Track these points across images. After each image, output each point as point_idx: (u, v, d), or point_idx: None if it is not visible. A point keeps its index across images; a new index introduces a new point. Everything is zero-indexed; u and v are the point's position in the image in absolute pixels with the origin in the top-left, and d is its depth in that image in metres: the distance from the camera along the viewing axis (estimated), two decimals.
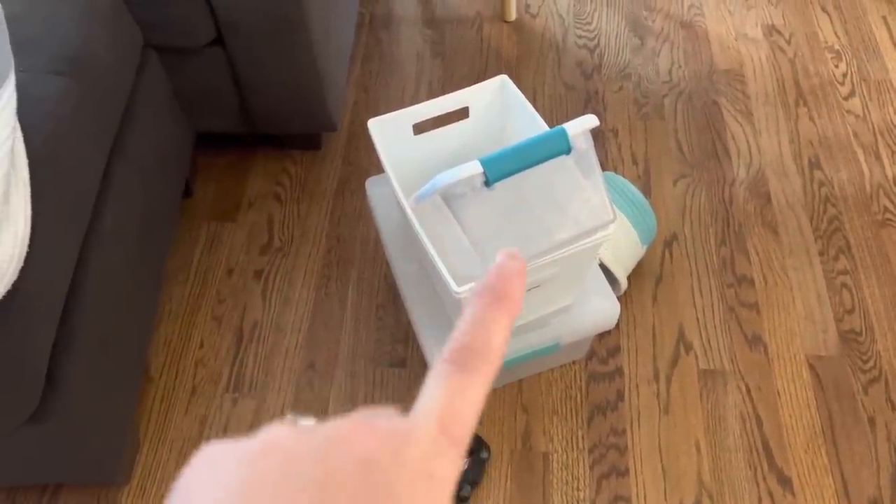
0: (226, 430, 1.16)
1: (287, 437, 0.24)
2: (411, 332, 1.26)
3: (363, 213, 1.41)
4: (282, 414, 1.17)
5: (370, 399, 1.19)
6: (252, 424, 1.17)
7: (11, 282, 0.79)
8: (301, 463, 0.22)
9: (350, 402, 1.18)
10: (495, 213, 0.82)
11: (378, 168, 1.46)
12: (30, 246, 0.83)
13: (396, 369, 1.22)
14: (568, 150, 0.76)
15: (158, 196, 1.20)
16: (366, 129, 1.53)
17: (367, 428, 0.24)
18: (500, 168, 0.74)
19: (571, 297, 1.02)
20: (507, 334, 0.27)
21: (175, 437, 1.16)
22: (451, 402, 0.25)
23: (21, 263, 0.81)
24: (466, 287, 0.84)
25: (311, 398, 1.19)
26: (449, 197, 1.02)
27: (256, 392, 1.20)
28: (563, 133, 0.77)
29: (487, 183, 0.75)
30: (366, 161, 1.49)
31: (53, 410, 0.88)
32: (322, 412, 1.18)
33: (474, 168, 0.75)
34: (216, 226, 1.40)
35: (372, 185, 1.19)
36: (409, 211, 0.92)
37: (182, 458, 1.14)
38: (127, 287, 1.08)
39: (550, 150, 0.75)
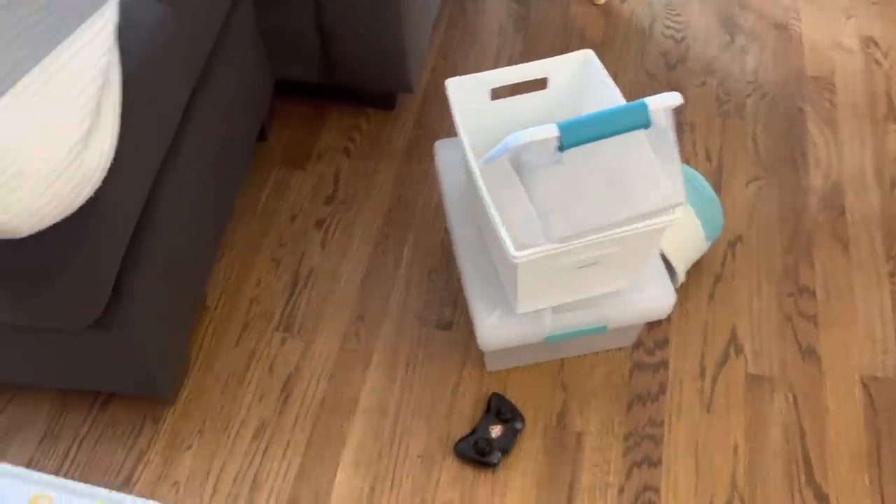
0: (271, 370, 1.20)
1: None
2: (461, 297, 1.27)
3: (428, 178, 1.42)
4: (325, 360, 1.20)
5: (412, 357, 1.21)
6: (297, 365, 1.20)
7: (95, 188, 0.83)
8: None
9: (393, 357, 1.21)
10: (563, 183, 0.82)
11: (449, 134, 1.47)
12: (113, 160, 0.87)
13: (442, 331, 1.23)
14: (647, 124, 0.75)
15: (235, 134, 1.24)
16: (440, 95, 1.55)
17: None
18: (576, 134, 0.74)
19: (628, 280, 1.01)
20: None
21: (222, 367, 1.20)
22: None
23: (104, 174, 0.85)
24: (525, 253, 0.85)
25: (357, 348, 1.22)
26: (519, 164, 1.02)
27: (305, 335, 1.23)
28: (644, 106, 0.76)
29: (561, 147, 0.75)
30: (437, 126, 1.50)
31: (116, 319, 0.92)
32: (365, 364, 1.20)
33: (550, 131, 0.75)
34: (285, 172, 1.43)
35: (441, 148, 1.20)
36: (476, 172, 0.92)
37: (226, 389, 1.18)
38: (196, 216, 1.12)
39: (629, 122, 0.75)
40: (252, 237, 1.35)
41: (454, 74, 1.58)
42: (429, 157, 1.45)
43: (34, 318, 0.85)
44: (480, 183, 0.91)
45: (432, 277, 1.30)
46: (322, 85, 1.45)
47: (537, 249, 0.84)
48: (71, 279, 0.82)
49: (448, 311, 1.26)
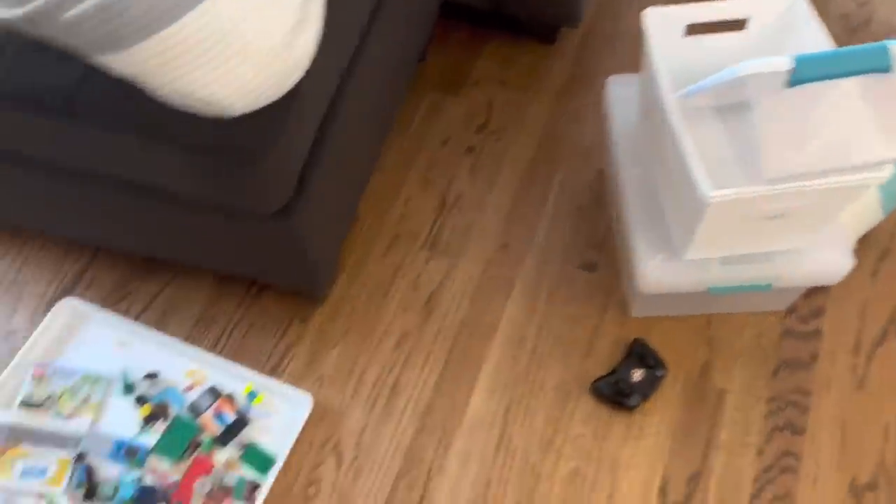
0: (415, 285, 1.22)
1: None
2: (607, 241, 1.25)
3: (582, 117, 1.39)
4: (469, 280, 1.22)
5: (553, 292, 1.20)
6: (440, 286, 1.22)
7: (300, 77, 0.85)
8: None
9: (535, 290, 1.21)
10: (780, 123, 0.78)
11: (608, 73, 1.43)
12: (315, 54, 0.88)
13: (585, 272, 1.22)
14: (887, 68, 0.71)
15: (407, 48, 1.24)
16: (601, 34, 1.50)
17: None
18: (812, 69, 0.70)
19: (810, 239, 0.97)
20: None
21: (368, 277, 1.23)
22: None
23: (309, 64, 0.86)
24: (721, 192, 0.82)
25: (498, 275, 1.22)
26: (723, 103, 0.98)
27: (450, 257, 1.25)
28: (885, 49, 0.71)
29: (791, 83, 0.71)
30: (596, 65, 1.46)
31: (296, 209, 0.95)
32: (506, 293, 1.21)
33: (782, 63, 0.71)
34: (439, 96, 1.43)
35: (613, 84, 1.16)
36: (670, 107, 0.89)
37: (372, 297, 1.21)
38: (368, 122, 1.14)
39: (868, 63, 0.70)
40: (403, 156, 1.36)
41: (618, 14, 1.53)
42: (584, 95, 1.42)
43: (230, 198, 0.89)
44: (675, 118, 0.88)
45: (580, 216, 1.28)
46: (485, 12, 1.43)
47: (735, 190, 0.81)
48: (271, 162, 0.85)
49: (593, 254, 1.24)
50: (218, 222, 0.98)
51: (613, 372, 1.11)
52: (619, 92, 1.15)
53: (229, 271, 1.14)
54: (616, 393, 1.08)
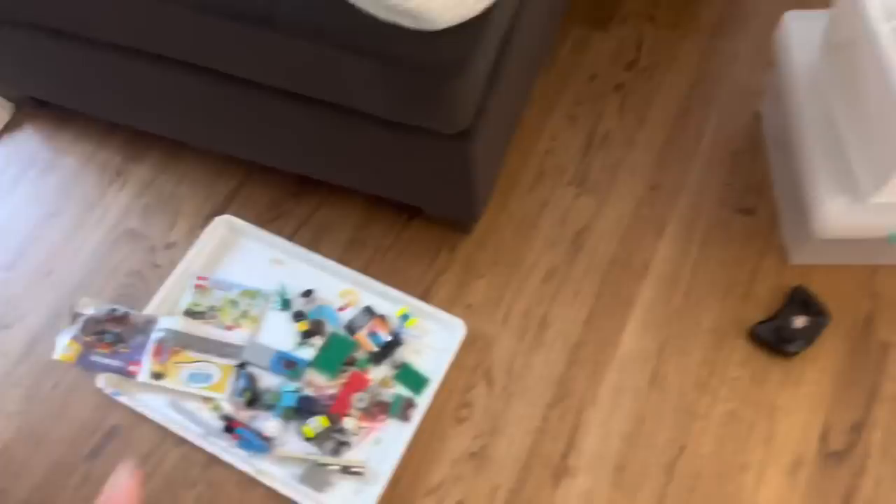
0: (563, 221, 1.21)
1: None
2: (765, 184, 1.21)
3: (738, 57, 1.34)
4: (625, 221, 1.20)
5: (708, 235, 1.18)
6: (588, 223, 1.21)
7: (492, 2, 0.84)
8: None
9: (688, 231, 1.18)
10: None
11: (762, 13, 1.36)
12: None
13: (742, 216, 1.19)
14: None
15: None
16: None
17: None
18: None
19: None
20: None
21: (515, 210, 1.23)
22: None
23: None
24: None
25: (650, 215, 1.20)
26: None
27: (599, 194, 1.23)
28: None
29: None
30: (749, 4, 1.39)
31: (472, 132, 0.95)
32: (658, 233, 1.19)
33: None
34: (586, 31, 1.40)
35: (791, 20, 1.11)
36: (883, 37, 0.85)
37: (519, 230, 1.21)
38: (532, 51, 1.12)
39: None
40: (549, 91, 1.34)
41: None
42: (741, 34, 1.35)
43: (420, 116, 0.89)
44: (888, 48, 0.84)
45: (735, 160, 1.24)
46: None
47: None
48: (468, 79, 0.84)
49: (751, 198, 1.21)
50: (393, 142, 0.99)
51: (774, 317, 1.08)
52: (798, 28, 1.10)
53: (385, 195, 1.15)
54: (777, 339, 1.06)
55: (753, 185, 1.21)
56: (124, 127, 1.32)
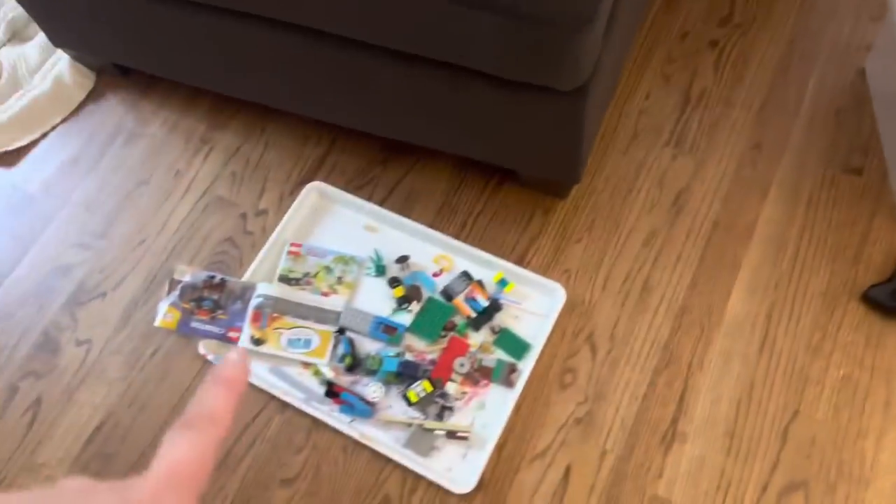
0: (661, 183, 1.18)
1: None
2: (872, 143, 1.16)
3: (838, 11, 1.28)
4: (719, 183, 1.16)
5: (815, 196, 1.14)
6: (688, 185, 1.17)
7: None
8: None
9: (794, 192, 1.14)
10: None
11: None
12: None
13: (850, 176, 1.15)
14: None
15: None
16: None
17: (100, 485, 0.29)
18: None
19: None
20: (232, 408, 0.32)
21: (611, 172, 1.20)
22: (179, 454, 0.30)
23: None
24: None
25: (753, 176, 1.17)
26: None
27: (697, 155, 1.19)
28: None
29: None
30: None
31: (588, 90, 0.92)
32: (762, 194, 1.15)
33: None
34: None
35: None
36: None
37: (615, 193, 1.18)
38: (638, 2, 1.08)
39: None
40: (642, 50, 1.30)
41: None
42: None
43: (539, 71, 0.86)
44: None
45: (840, 118, 1.19)
46: None
47: None
48: (592, 34, 0.81)
49: (858, 157, 1.16)
50: (500, 101, 0.96)
51: (889, 280, 1.04)
52: None
53: (480, 158, 1.12)
54: (893, 301, 1.02)
55: (860, 144, 1.17)
56: (208, 93, 1.31)
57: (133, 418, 1.09)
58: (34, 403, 1.11)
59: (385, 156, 1.25)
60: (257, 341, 1.10)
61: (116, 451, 1.07)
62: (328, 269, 1.16)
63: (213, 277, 1.14)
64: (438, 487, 1.00)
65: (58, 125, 1.34)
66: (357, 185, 1.23)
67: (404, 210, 1.19)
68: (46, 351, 1.14)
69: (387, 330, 1.10)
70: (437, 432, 1.03)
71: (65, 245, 1.23)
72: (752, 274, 1.10)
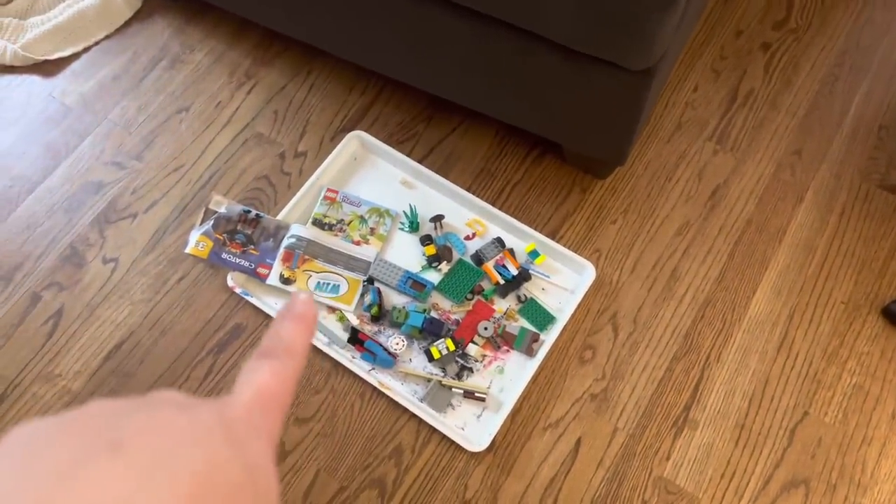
0: (700, 176, 1.19)
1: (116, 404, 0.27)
2: None
3: (893, 29, 1.29)
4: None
5: (849, 207, 1.15)
6: (727, 181, 1.19)
7: None
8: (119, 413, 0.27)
9: (828, 201, 1.16)
10: None
11: None
12: None
13: (885, 192, 1.16)
14: None
15: None
16: None
17: (197, 400, 0.29)
18: None
19: None
20: (306, 342, 0.33)
21: (652, 159, 1.21)
22: (263, 379, 0.30)
23: None
24: None
25: (791, 181, 1.18)
26: None
27: (738, 153, 1.21)
28: None
29: None
30: None
31: (657, 70, 0.92)
32: (797, 199, 1.17)
33: None
34: None
35: None
36: None
37: (654, 180, 1.19)
38: None
39: None
40: (694, 41, 1.30)
41: None
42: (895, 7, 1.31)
43: (613, 47, 0.86)
44: None
45: (882, 135, 1.21)
46: None
47: None
48: (673, 14, 0.81)
49: (895, 175, 1.18)
50: (564, 73, 0.96)
51: None
52: None
53: (526, 127, 1.12)
54: None
55: None
56: (256, 28, 1.30)
57: (154, 341, 1.09)
58: (55, 314, 1.11)
59: (430, 113, 1.25)
60: (286, 280, 1.10)
61: (134, 371, 1.08)
62: (362, 219, 1.16)
63: (248, 212, 1.14)
64: (451, 443, 1.02)
65: (101, 41, 1.32)
66: (398, 140, 1.23)
67: (443, 170, 1.20)
68: (72, 264, 1.14)
69: (415, 286, 1.11)
70: (454, 390, 1.05)
71: (99, 162, 1.22)
72: (778, 275, 1.12)
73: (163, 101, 1.27)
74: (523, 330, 1.08)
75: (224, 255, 1.12)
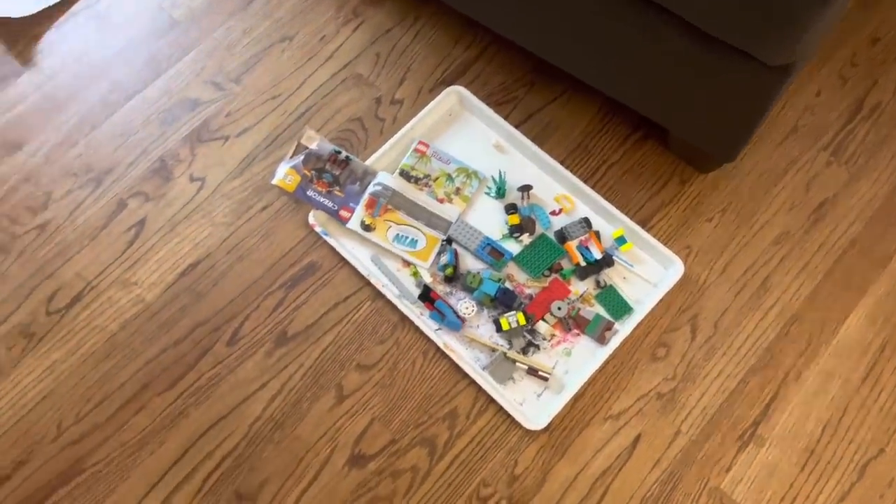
0: (808, 186, 1.13)
1: None
2: None
3: None
4: None
5: None
6: (836, 195, 1.12)
7: None
8: None
9: None
10: None
11: None
12: None
13: None
14: None
15: None
16: None
17: None
18: None
19: None
20: None
21: (760, 160, 1.15)
22: None
23: None
24: None
25: None
26: None
27: (853, 168, 1.13)
28: None
29: None
30: None
31: (793, 68, 0.86)
32: None
33: None
34: None
35: None
36: None
37: (758, 182, 1.13)
38: None
39: None
40: (825, 43, 1.22)
41: None
42: None
43: (759, 39, 0.81)
44: None
45: None
46: None
47: None
48: (832, 10, 0.75)
49: None
50: (694, 57, 0.90)
51: None
52: None
53: (635, 107, 1.07)
54: None
55: None
56: None
57: (229, 266, 1.10)
58: (138, 223, 1.13)
59: (533, 78, 1.21)
60: (367, 227, 1.09)
61: (207, 291, 1.09)
62: (449, 177, 1.14)
63: (339, 152, 1.13)
64: (507, 416, 1.00)
65: None
66: (497, 101, 1.19)
67: (538, 139, 1.16)
68: (160, 177, 1.15)
69: (493, 253, 1.09)
70: (518, 364, 1.03)
71: (198, 79, 1.22)
72: (876, 303, 1.06)
73: (268, 26, 1.25)
74: (598, 316, 1.05)
75: (310, 192, 1.11)
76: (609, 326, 1.04)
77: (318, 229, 1.10)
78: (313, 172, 1.12)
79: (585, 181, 1.12)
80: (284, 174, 1.12)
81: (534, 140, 1.14)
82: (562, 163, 1.14)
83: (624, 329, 1.04)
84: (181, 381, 1.02)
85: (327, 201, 1.11)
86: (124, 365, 1.04)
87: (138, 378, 1.03)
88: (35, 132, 1.18)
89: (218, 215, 1.13)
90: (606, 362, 1.03)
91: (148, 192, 1.14)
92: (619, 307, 1.06)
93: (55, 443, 0.99)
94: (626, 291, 1.07)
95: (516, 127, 1.16)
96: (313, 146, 1.14)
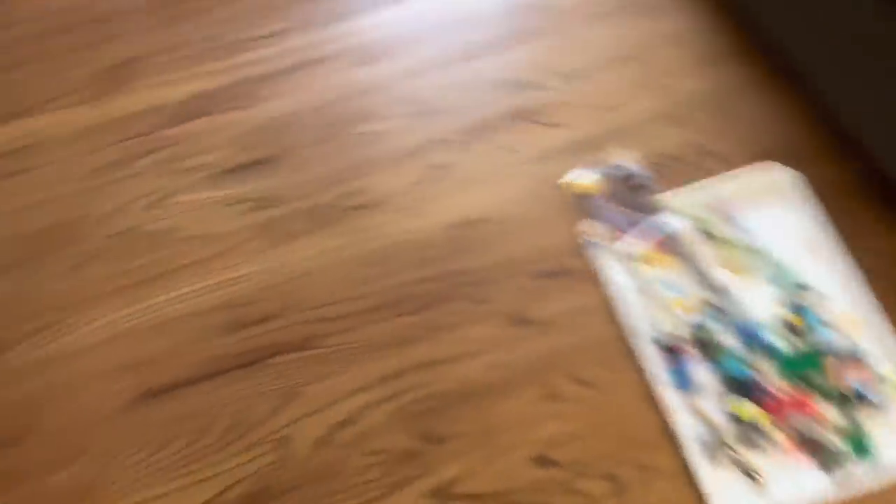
0: None
1: None
2: None
3: None
4: None
5: None
6: None
7: None
8: None
9: None
10: None
11: None
12: None
13: None
14: None
15: None
16: None
17: None
18: None
19: None
20: None
21: None
22: None
23: None
24: None
25: None
26: None
27: None
28: None
29: None
30: None
31: None
32: None
33: None
34: None
35: None
36: None
37: None
38: None
39: None
40: None
41: None
42: None
43: None
44: None
45: None
46: None
47: None
48: None
49: None
50: None
51: None
52: None
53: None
54: None
55: None
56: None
57: (493, 239, 1.15)
58: (442, 167, 1.22)
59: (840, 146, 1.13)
60: (638, 257, 1.10)
61: (471, 248, 1.15)
62: (733, 247, 1.11)
63: (638, 177, 1.15)
64: (693, 488, 0.96)
65: None
66: (840, 208, 1.12)
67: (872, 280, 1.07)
68: (472, 135, 1.24)
69: (751, 337, 1.04)
70: (733, 455, 0.98)
71: (536, 68, 1.30)
72: None
73: (618, 44, 1.30)
74: (837, 450, 0.96)
75: (596, 201, 1.14)
76: (840, 463, 0.96)
77: (587, 237, 1.12)
78: (608, 185, 1.15)
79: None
80: (580, 174, 1.16)
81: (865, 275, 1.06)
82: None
83: (857, 473, 0.94)
84: (425, 312, 1.10)
85: (612, 215, 1.13)
86: (382, 276, 1.13)
87: (389, 292, 1.12)
88: (388, 56, 1.33)
89: (507, 191, 1.19)
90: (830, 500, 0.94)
91: (457, 142, 1.24)
92: (862, 449, 0.96)
93: (302, 314, 1.12)
94: (875, 435, 0.97)
95: (850, 250, 1.08)
96: (614, 161, 1.16)
